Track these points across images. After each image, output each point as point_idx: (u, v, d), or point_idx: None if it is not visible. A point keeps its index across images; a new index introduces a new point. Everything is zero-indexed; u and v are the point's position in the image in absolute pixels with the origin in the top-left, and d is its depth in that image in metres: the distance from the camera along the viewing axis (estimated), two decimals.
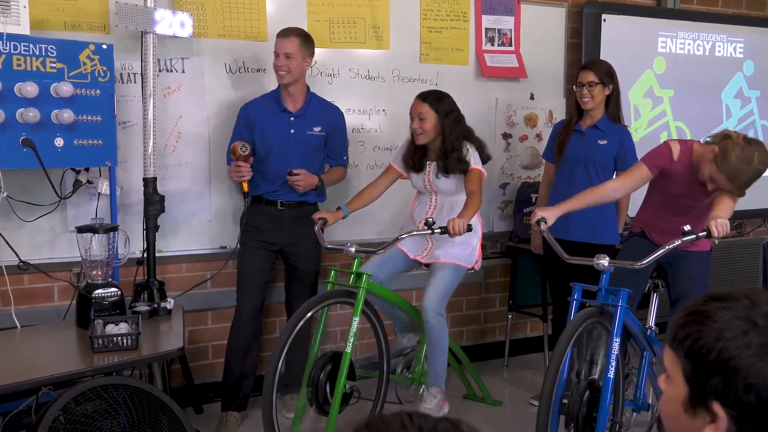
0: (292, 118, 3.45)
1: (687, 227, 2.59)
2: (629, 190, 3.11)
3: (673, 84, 4.84)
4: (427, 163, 3.39)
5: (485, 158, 3.38)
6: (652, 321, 3.15)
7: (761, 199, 5.25)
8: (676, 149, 3.01)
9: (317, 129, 3.49)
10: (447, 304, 3.34)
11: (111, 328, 2.73)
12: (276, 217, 3.47)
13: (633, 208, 4.25)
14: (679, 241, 2.60)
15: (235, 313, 3.52)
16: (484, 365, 4.42)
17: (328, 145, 3.57)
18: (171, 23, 3.31)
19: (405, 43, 4.11)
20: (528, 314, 4.53)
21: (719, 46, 5.01)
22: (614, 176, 3.76)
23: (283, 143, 3.44)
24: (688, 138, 4.88)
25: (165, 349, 2.73)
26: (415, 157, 3.40)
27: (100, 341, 2.60)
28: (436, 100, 3.30)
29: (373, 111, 4.08)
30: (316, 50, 3.87)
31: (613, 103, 3.72)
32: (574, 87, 3.73)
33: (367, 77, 4.04)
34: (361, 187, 3.84)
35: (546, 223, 2.86)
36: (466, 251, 3.31)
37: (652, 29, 4.76)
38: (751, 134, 5.14)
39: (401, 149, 3.50)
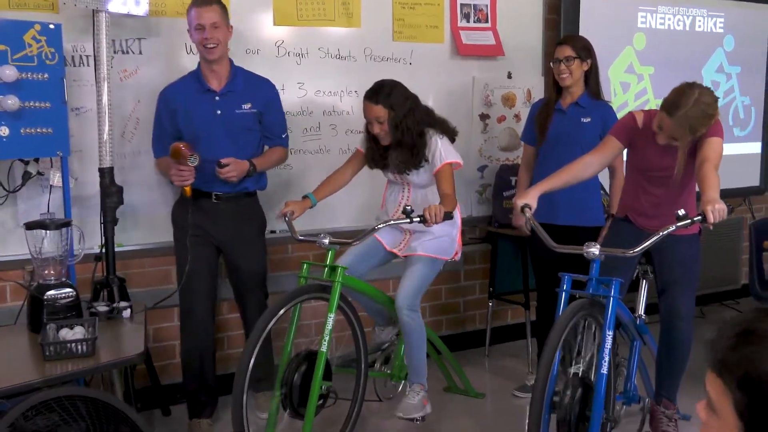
0: (217, 98, 3.14)
1: (681, 211, 2.44)
2: (603, 165, 2.97)
3: (653, 61, 4.71)
4: (392, 155, 3.13)
5: (452, 136, 3.14)
6: (641, 309, 3.02)
7: (742, 177, 5.17)
8: (639, 117, 2.94)
9: (247, 106, 3.17)
10: (424, 294, 3.17)
11: (65, 333, 2.51)
12: (211, 210, 3.16)
13: None
14: (674, 227, 2.46)
15: (182, 320, 3.27)
16: (464, 355, 4.28)
17: (262, 123, 3.26)
18: (125, 1, 3.07)
19: (377, 21, 3.91)
20: (509, 302, 4.38)
21: (699, 21, 4.87)
22: None
23: (210, 126, 3.12)
24: None
25: (124, 354, 2.52)
26: (376, 155, 3.17)
27: (52, 348, 2.38)
28: (387, 95, 3.00)
29: (345, 92, 3.87)
30: (284, 29, 3.68)
31: (592, 78, 3.57)
32: (551, 63, 3.57)
33: (338, 57, 3.83)
34: (328, 174, 3.68)
35: (531, 209, 2.70)
36: (444, 243, 3.13)
37: (632, 4, 4.61)
38: (731, 112, 5.06)
39: (363, 138, 3.26)
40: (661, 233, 2.44)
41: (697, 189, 2.75)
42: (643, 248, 2.46)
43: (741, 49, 5.04)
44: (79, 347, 2.40)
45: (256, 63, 3.57)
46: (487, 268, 4.43)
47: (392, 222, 2.88)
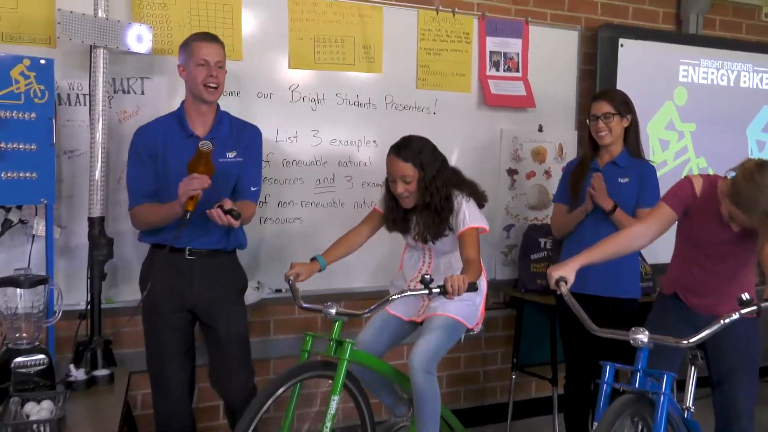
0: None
1: (746, 295, 2.10)
2: (655, 236, 2.63)
3: (695, 117, 4.39)
4: (414, 219, 2.86)
5: (481, 202, 2.85)
6: (689, 401, 2.63)
7: None
8: (698, 183, 2.61)
9: (232, 155, 2.78)
10: (440, 362, 2.82)
11: (30, 408, 2.19)
12: (184, 269, 2.75)
13: (653, 255, 3.80)
14: (737, 314, 2.11)
15: (154, 393, 2.88)
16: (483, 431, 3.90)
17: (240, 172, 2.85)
18: (125, 37, 2.82)
19: (400, 66, 3.64)
20: (534, 375, 4.01)
21: (745, 76, 4.56)
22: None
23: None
24: None
25: None
26: (397, 217, 2.87)
27: (10, 430, 2.06)
28: (417, 152, 2.73)
29: (363, 142, 3.59)
30: (299, 72, 3.42)
31: (632, 135, 3.27)
32: (588, 120, 3.26)
33: (357, 104, 3.56)
34: (342, 230, 3.32)
35: (567, 283, 2.37)
36: (468, 308, 2.80)
37: (672, 56, 4.31)
38: None
39: (382, 199, 2.96)
40: (723, 321, 2.09)
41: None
42: (700, 338, 2.11)
43: None
44: (42, 429, 2.07)
45: (268, 108, 3.33)
46: (510, 335, 4.08)
47: (409, 293, 2.55)
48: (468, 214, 2.72)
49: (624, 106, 3.23)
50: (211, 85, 2.72)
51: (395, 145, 2.79)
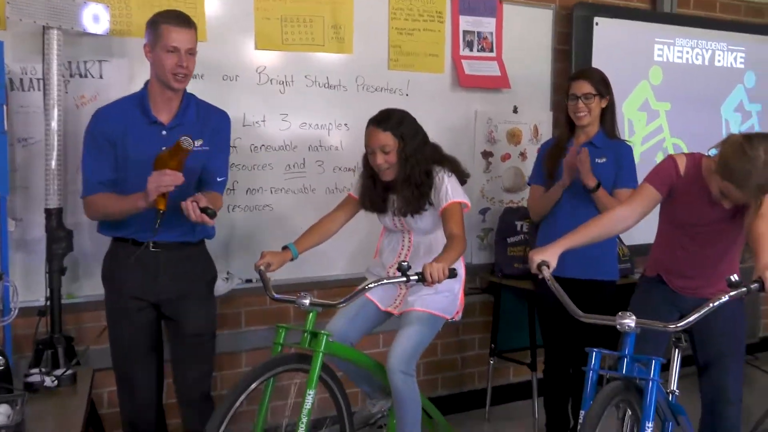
0: (164, 132, 2.57)
1: (734, 277, 2.05)
2: (639, 218, 2.56)
3: (670, 96, 4.35)
4: (392, 198, 2.77)
5: (462, 179, 2.77)
6: (674, 384, 2.59)
7: None
8: (682, 162, 2.54)
9: (198, 143, 2.51)
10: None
11: None
12: (148, 263, 2.59)
13: (629, 237, 3.74)
14: (727, 297, 2.05)
15: (120, 391, 2.73)
16: (461, 418, 3.85)
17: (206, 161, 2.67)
18: (80, 16, 2.66)
19: (371, 47, 3.51)
20: (513, 360, 3.95)
21: (719, 55, 4.53)
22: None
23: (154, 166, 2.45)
24: None
25: None
26: (374, 196, 2.78)
27: None
28: (397, 124, 2.67)
29: (333, 125, 3.47)
30: (266, 53, 3.28)
31: (609, 116, 3.23)
32: (567, 100, 3.19)
33: (327, 85, 3.43)
34: (314, 216, 3.20)
35: (549, 268, 2.29)
36: (446, 299, 2.71)
37: (647, 35, 4.25)
38: None
39: (358, 181, 2.88)
40: (712, 304, 2.03)
41: None
42: (689, 322, 2.04)
43: (763, 86, 4.69)
44: None
45: (234, 91, 3.19)
46: (488, 321, 4.01)
47: (386, 281, 2.44)
48: (450, 189, 2.65)
49: (603, 86, 3.18)
50: (180, 74, 2.53)
51: (375, 116, 2.72)
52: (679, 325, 2.04)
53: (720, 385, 2.55)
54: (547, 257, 2.32)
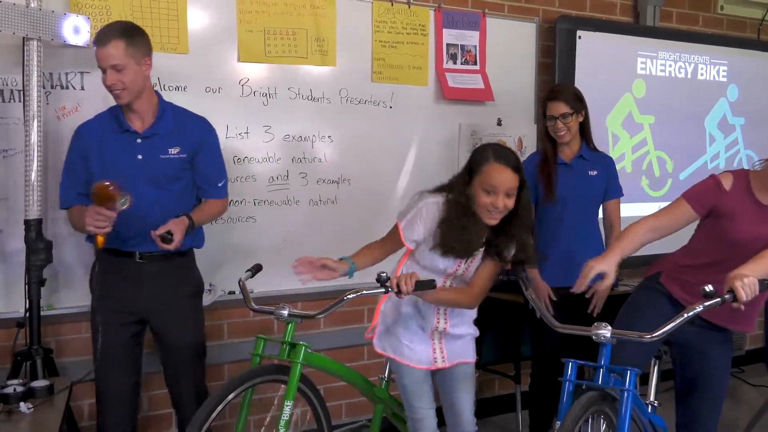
0: (138, 140, 2.61)
1: (709, 287, 2.03)
2: (670, 232, 2.48)
3: (653, 109, 4.38)
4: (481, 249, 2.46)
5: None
6: (652, 395, 2.59)
7: None
8: (728, 180, 2.47)
9: (174, 151, 2.61)
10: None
11: None
12: (133, 274, 2.63)
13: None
14: (701, 307, 2.04)
15: (99, 403, 2.72)
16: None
17: (194, 169, 2.71)
18: (61, 28, 2.67)
19: (354, 59, 3.53)
20: (497, 372, 3.94)
21: (702, 69, 4.56)
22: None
23: (131, 174, 2.55)
24: (670, 168, 4.42)
25: None
26: (470, 239, 2.38)
27: None
28: (521, 166, 2.39)
29: (317, 137, 3.47)
30: (249, 65, 3.29)
31: (586, 129, 3.29)
32: (546, 120, 3.24)
33: (310, 98, 3.44)
34: (297, 228, 3.30)
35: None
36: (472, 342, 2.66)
37: (630, 48, 4.29)
38: (734, 165, 4.72)
39: (421, 212, 2.43)
40: (686, 314, 2.03)
41: None
42: (663, 332, 2.04)
43: (745, 100, 4.72)
44: None
45: (217, 103, 3.20)
46: None
47: (365, 292, 2.37)
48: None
49: (578, 103, 3.23)
50: (113, 91, 2.54)
51: (498, 152, 2.37)
52: (654, 335, 2.04)
53: (695, 417, 2.55)
54: (605, 268, 2.29)
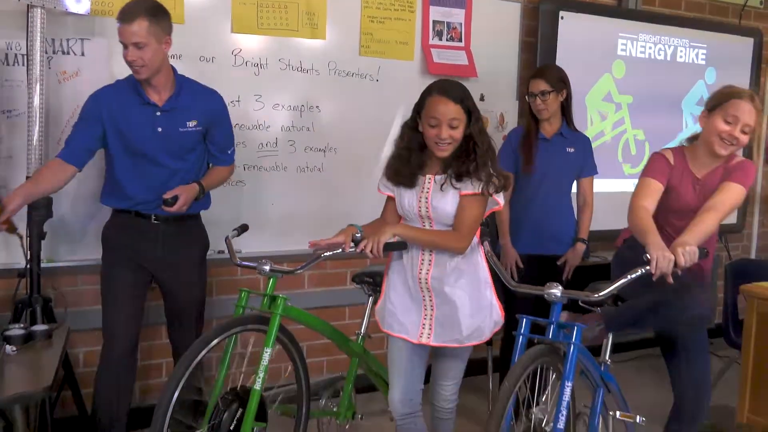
0: (158, 113, 2.76)
1: (646, 256, 2.25)
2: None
3: (632, 90, 4.53)
4: (428, 177, 2.46)
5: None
6: (606, 355, 2.80)
7: None
8: (670, 155, 2.78)
9: (192, 124, 2.81)
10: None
11: None
12: (149, 233, 2.84)
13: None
14: (642, 270, 2.24)
15: (104, 348, 2.90)
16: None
17: (208, 138, 2.91)
18: None
19: (343, 34, 3.69)
20: None
21: (681, 52, 4.71)
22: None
23: (151, 145, 2.76)
24: (646, 147, 4.60)
25: (28, 388, 2.24)
26: (406, 170, 2.46)
27: None
28: (468, 97, 2.39)
29: (306, 108, 3.65)
30: (242, 36, 3.45)
31: (568, 109, 3.50)
32: (527, 97, 3.47)
33: (300, 69, 3.61)
34: (285, 194, 3.49)
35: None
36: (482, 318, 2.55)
37: (612, 30, 4.44)
38: None
39: (386, 165, 2.56)
40: (629, 276, 2.23)
41: None
42: (608, 292, 2.24)
43: (723, 82, 4.83)
44: None
45: (210, 72, 3.34)
46: None
47: (339, 251, 2.50)
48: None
49: (560, 83, 3.42)
50: (134, 66, 2.69)
51: (439, 86, 2.39)
52: (600, 294, 2.24)
53: (686, 376, 2.78)
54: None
